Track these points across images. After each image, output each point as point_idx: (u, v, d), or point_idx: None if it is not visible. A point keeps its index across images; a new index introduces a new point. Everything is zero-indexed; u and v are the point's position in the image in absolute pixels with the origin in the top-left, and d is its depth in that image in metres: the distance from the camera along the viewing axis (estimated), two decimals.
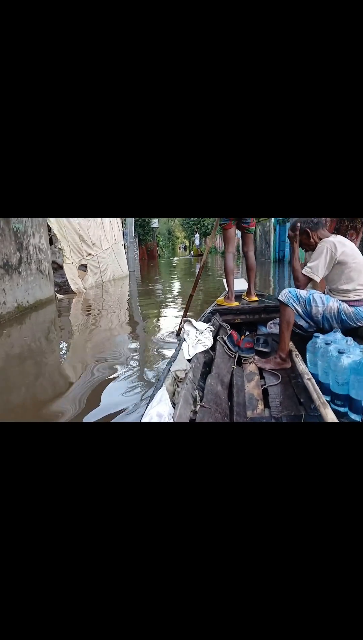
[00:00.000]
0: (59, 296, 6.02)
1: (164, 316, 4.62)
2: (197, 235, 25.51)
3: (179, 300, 5.48)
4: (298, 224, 1.85)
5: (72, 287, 6.35)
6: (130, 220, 12.11)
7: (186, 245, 27.07)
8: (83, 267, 7.32)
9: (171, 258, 24.18)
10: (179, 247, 34.87)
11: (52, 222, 6.21)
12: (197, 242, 25.19)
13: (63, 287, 6.46)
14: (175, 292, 6.74)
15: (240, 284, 2.89)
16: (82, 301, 5.78)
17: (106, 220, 8.67)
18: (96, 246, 7.88)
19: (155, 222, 19.86)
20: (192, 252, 25.35)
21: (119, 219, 9.80)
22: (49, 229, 6.25)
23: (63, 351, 3.39)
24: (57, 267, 6.70)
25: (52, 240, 6.49)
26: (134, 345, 3.30)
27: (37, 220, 5.40)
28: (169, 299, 5.90)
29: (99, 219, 8.15)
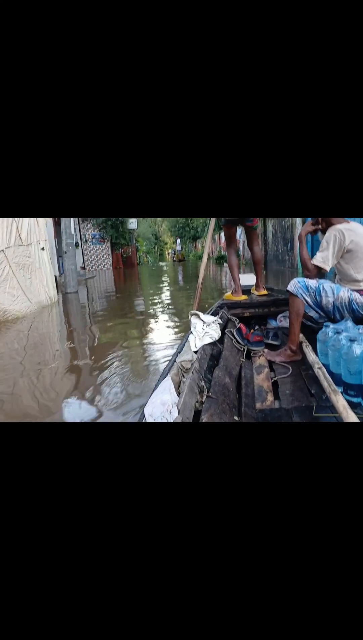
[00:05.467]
0: None
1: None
2: (178, 240, 24.67)
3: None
4: None
5: None
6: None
7: (176, 251, 25.20)
8: None
9: (160, 264, 20.68)
10: (169, 253, 31.05)
11: None
12: (178, 247, 24.20)
13: None
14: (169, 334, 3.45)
15: (249, 279, 2.85)
16: None
17: None
18: None
19: (133, 222, 15.71)
20: (174, 258, 24.13)
21: None
22: None
23: None
24: None
25: None
26: None
27: None
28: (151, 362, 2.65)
29: None
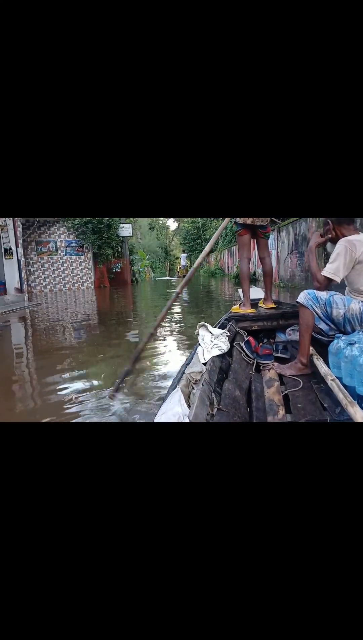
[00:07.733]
0: None
1: None
2: (184, 255, 22.57)
3: None
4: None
5: None
6: None
7: (182, 266, 22.31)
8: None
9: (162, 279, 17.55)
10: (179, 268, 27.82)
11: None
12: (183, 262, 21.98)
13: None
14: None
15: (257, 293, 2.83)
16: None
17: None
18: None
19: (125, 228, 11.63)
20: (178, 273, 21.96)
21: None
22: None
23: None
24: None
25: None
26: None
27: None
28: None
29: None
